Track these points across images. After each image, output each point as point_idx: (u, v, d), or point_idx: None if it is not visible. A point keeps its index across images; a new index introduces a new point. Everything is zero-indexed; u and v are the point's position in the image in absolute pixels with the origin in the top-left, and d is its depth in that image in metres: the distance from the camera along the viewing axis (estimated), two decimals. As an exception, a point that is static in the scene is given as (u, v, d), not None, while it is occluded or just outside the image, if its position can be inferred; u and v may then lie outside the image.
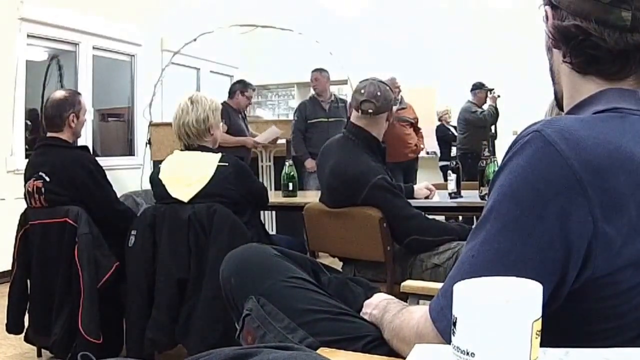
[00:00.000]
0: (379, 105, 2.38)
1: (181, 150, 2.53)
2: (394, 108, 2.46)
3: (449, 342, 0.77)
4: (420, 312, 0.87)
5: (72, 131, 2.68)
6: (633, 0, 0.78)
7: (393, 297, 1.12)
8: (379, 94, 2.38)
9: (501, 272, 0.74)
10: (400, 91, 5.54)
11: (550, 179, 0.73)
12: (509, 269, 0.74)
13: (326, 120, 5.29)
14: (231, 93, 5.33)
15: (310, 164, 4.94)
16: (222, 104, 2.81)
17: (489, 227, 0.77)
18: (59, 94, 2.72)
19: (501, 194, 0.77)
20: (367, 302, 1.15)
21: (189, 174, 2.39)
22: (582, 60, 0.84)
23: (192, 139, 2.47)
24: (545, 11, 0.88)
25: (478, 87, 6.21)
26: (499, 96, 6.06)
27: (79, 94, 2.81)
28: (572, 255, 0.72)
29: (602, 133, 0.75)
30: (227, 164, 2.40)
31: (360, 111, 2.41)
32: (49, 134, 2.68)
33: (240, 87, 5.32)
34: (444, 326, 0.79)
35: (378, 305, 1.09)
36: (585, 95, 0.85)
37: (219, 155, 2.43)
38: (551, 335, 0.59)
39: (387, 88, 2.45)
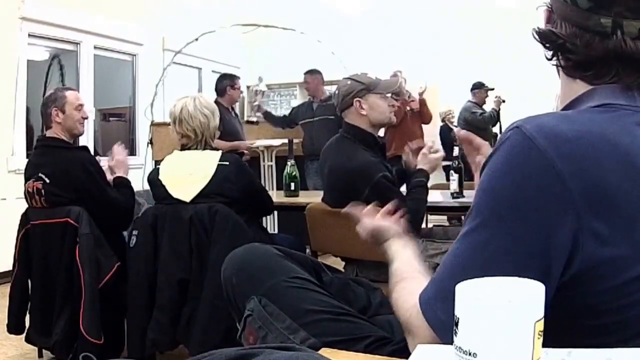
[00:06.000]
0: (339, 102, 2.51)
1: (180, 150, 2.53)
2: (370, 94, 2.46)
3: (436, 332, 0.78)
4: (413, 300, 0.87)
5: (62, 127, 2.65)
6: (612, 7, 0.77)
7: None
8: (336, 92, 2.54)
9: (480, 263, 0.75)
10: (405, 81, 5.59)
11: (527, 172, 0.73)
12: (488, 260, 0.75)
13: (311, 120, 5.37)
14: (221, 91, 5.17)
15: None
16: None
17: (471, 222, 0.79)
18: (48, 92, 2.73)
19: (480, 190, 0.79)
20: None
21: (189, 174, 2.38)
22: (567, 65, 0.85)
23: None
24: (545, 13, 0.89)
25: (477, 87, 6.20)
26: (504, 101, 6.01)
27: (67, 89, 2.75)
28: (552, 245, 0.72)
29: (585, 125, 0.75)
30: (227, 162, 2.40)
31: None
32: (46, 134, 2.69)
33: (229, 83, 5.16)
34: (429, 315, 0.80)
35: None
36: (577, 94, 0.85)
37: (219, 153, 2.43)
38: (552, 330, 0.58)
39: (347, 82, 2.51)
